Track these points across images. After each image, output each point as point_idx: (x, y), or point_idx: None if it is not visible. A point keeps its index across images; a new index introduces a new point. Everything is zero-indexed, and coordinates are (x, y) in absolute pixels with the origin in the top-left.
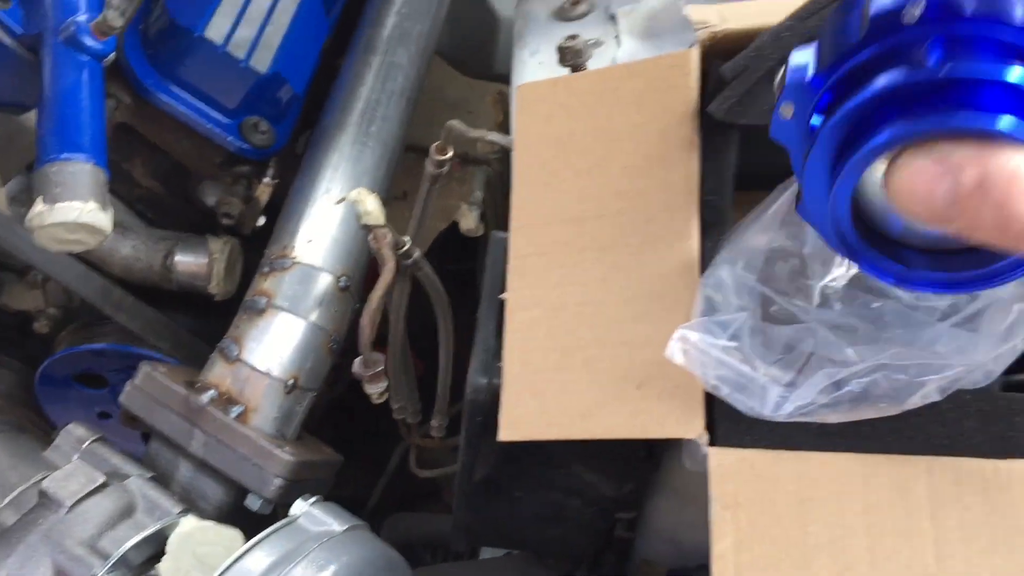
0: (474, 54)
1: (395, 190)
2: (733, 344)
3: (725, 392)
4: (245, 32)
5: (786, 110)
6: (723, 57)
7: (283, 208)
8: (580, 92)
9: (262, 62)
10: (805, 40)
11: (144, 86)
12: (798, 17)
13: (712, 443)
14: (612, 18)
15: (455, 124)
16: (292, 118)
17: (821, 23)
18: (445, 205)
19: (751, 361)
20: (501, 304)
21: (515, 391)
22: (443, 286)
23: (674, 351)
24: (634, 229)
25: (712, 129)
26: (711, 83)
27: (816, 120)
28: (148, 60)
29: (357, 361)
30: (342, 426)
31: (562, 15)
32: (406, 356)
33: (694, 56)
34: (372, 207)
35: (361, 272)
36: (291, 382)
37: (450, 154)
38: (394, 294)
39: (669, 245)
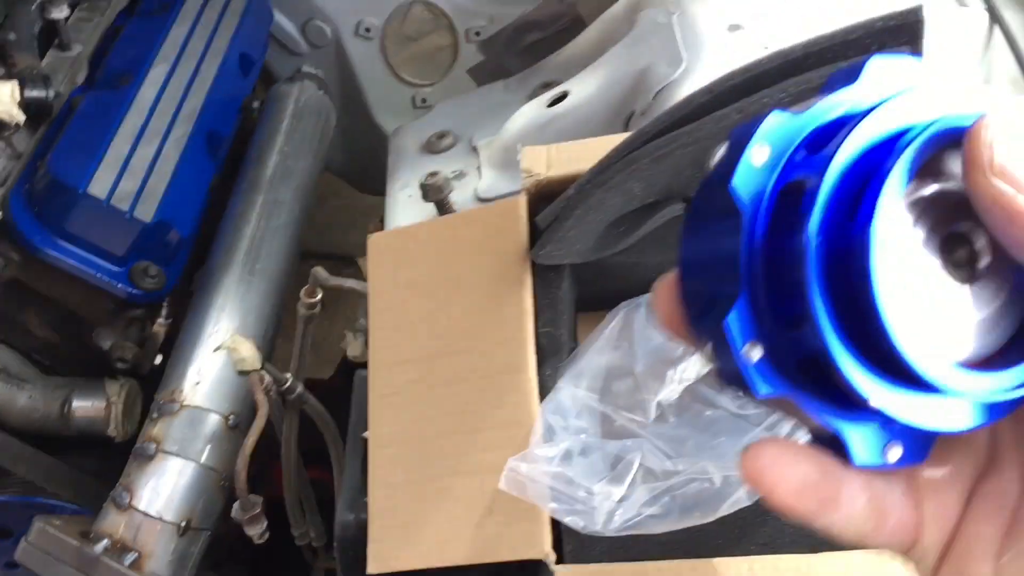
0: (366, 171)
1: None
2: (561, 469)
3: (561, 514)
4: (128, 185)
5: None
6: (548, 200)
7: (172, 352)
8: (424, 240)
9: (147, 212)
10: (606, 190)
11: (32, 243)
12: (597, 170)
13: (561, 560)
14: (474, 150)
15: (318, 271)
16: (182, 259)
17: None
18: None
19: (581, 481)
20: (366, 441)
21: (380, 525)
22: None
23: (506, 482)
24: (476, 365)
25: (545, 267)
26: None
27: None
28: (34, 218)
29: (235, 505)
30: (260, 558)
31: (429, 148)
32: (302, 485)
33: (521, 204)
34: (246, 353)
35: (250, 408)
36: (184, 524)
37: (319, 296)
38: (284, 428)
39: (507, 377)
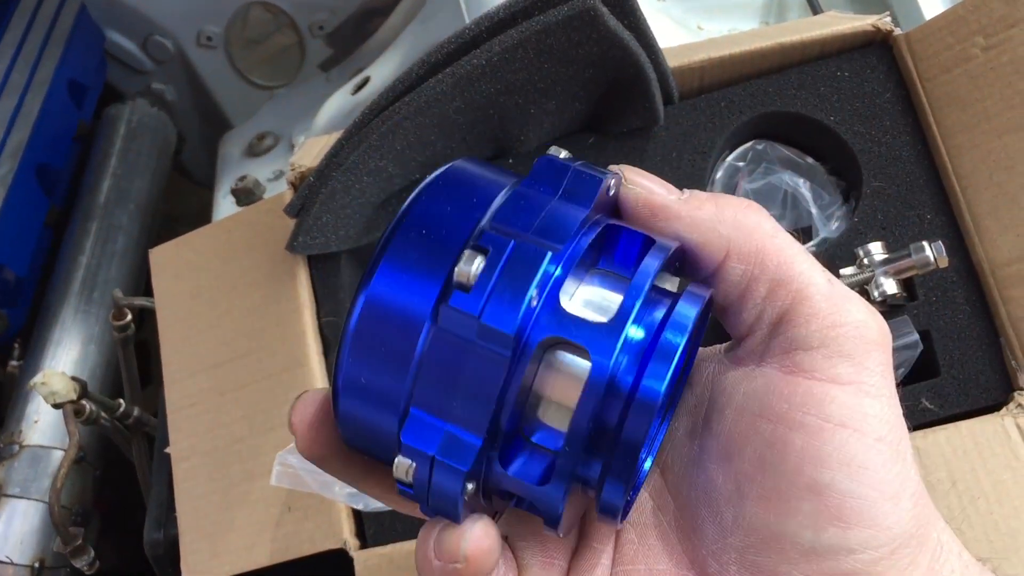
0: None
1: None
2: None
3: (341, 498)
4: None
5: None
6: None
7: (12, 393)
8: (202, 248)
9: None
10: (346, 171)
11: None
12: (331, 153)
13: (365, 546)
14: (293, 148)
15: (115, 293)
16: (26, 297)
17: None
18: None
19: None
20: (169, 457)
21: (190, 538)
22: None
23: (277, 476)
24: (261, 366)
25: (320, 257)
26: None
27: None
28: None
29: (56, 540)
30: None
31: (252, 151)
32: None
33: (286, 198)
34: (58, 386)
35: (98, 439)
36: (36, 566)
37: (128, 318)
38: (133, 454)
39: (291, 373)
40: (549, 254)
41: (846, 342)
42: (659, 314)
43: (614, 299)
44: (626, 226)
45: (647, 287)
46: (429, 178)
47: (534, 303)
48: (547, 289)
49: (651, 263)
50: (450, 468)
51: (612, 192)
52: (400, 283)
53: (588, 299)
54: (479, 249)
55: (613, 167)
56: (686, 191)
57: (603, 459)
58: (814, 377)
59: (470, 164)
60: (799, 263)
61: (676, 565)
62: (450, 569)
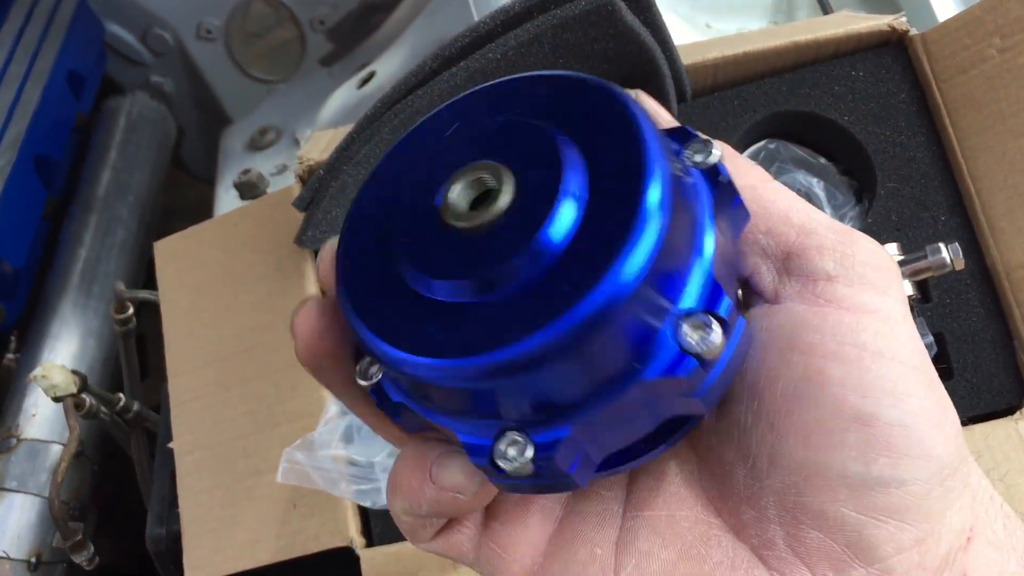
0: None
1: None
2: (340, 450)
3: (348, 494)
4: None
5: None
6: None
7: (10, 387)
8: (207, 241)
9: None
10: (356, 165)
11: None
12: (343, 146)
13: (371, 544)
14: (296, 142)
15: (117, 285)
16: (23, 290)
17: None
18: None
19: (362, 459)
20: (172, 452)
21: (193, 534)
22: None
23: (284, 473)
24: (267, 360)
25: None
26: None
27: None
28: None
29: (55, 535)
30: None
31: (254, 145)
32: None
33: (294, 192)
34: (58, 379)
35: (96, 433)
36: (33, 560)
37: (130, 311)
38: (132, 448)
39: (297, 368)
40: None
41: (865, 271)
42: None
43: None
44: None
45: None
46: None
47: None
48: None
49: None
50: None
51: None
52: None
53: None
54: None
55: (630, 91)
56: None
57: None
58: (842, 306)
59: None
60: (796, 201)
61: (704, 512)
62: (448, 499)
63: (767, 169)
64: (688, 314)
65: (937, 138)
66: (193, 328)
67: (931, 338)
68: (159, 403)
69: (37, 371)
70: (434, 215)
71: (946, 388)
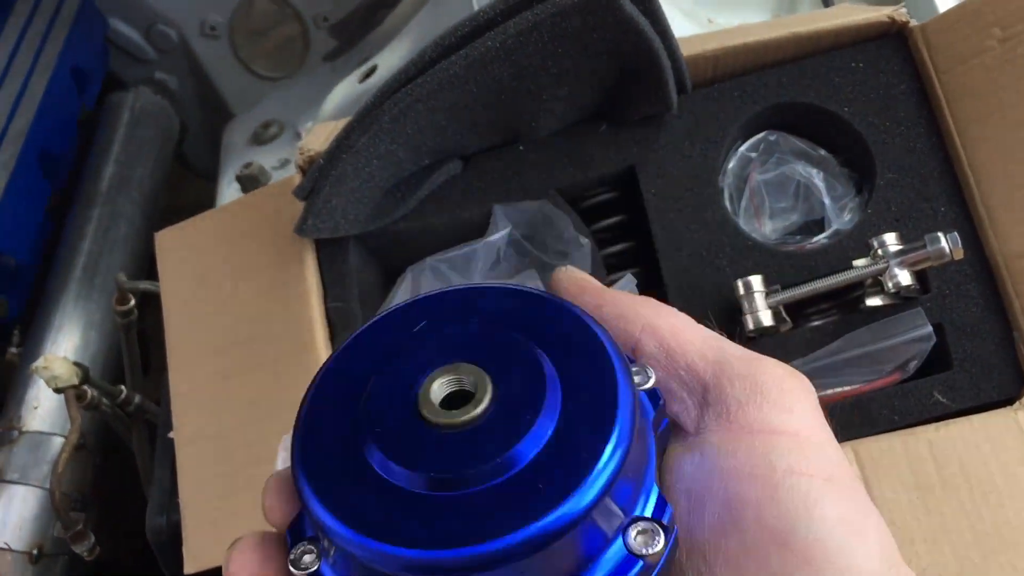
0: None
1: None
2: None
3: None
4: None
5: None
6: None
7: (12, 379)
8: (208, 231)
9: None
10: (355, 154)
11: None
12: (342, 136)
13: None
14: (298, 136)
15: (119, 277)
16: (26, 284)
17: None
18: None
19: None
20: (172, 442)
21: (193, 524)
22: None
23: (282, 461)
24: (268, 350)
25: (328, 241)
26: None
27: None
28: None
29: (57, 525)
30: None
31: (256, 140)
32: None
33: (294, 182)
34: (60, 371)
35: (98, 426)
36: (35, 552)
37: (132, 303)
38: (134, 441)
39: (298, 357)
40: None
41: (770, 393)
42: None
43: None
44: None
45: None
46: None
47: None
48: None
49: None
50: None
51: None
52: None
53: None
54: None
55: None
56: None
57: None
58: (753, 430)
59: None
60: (711, 339)
61: None
62: None
63: (767, 160)
64: (637, 520)
65: (937, 129)
66: (194, 318)
67: (930, 329)
68: (160, 398)
69: (39, 362)
70: (409, 409)
71: (945, 379)
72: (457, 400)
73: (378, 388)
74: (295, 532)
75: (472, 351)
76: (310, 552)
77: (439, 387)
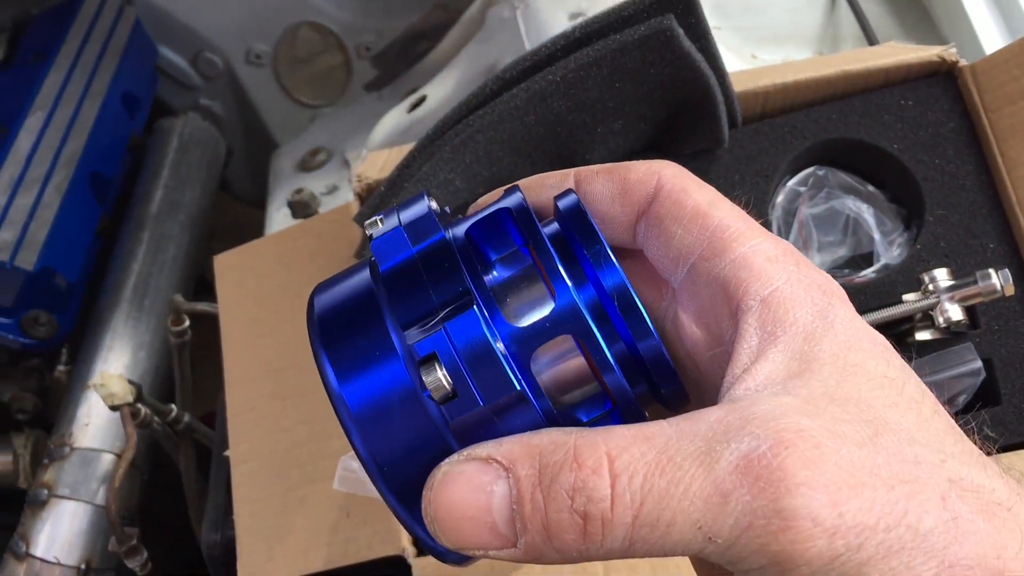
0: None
1: None
2: None
3: None
4: (7, 235)
5: None
6: None
7: (64, 397)
8: (266, 255)
9: (28, 260)
10: (416, 182)
11: None
12: (404, 163)
13: (422, 553)
14: (346, 163)
15: (176, 298)
16: (75, 304)
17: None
18: None
19: None
20: (227, 460)
21: (247, 541)
22: None
23: (340, 481)
24: None
25: None
26: None
27: None
28: None
29: (112, 539)
30: None
31: (304, 166)
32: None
33: (352, 208)
34: (116, 388)
35: (146, 444)
36: (84, 567)
37: (186, 324)
38: (181, 459)
39: None
40: (474, 310)
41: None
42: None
43: (538, 287)
44: (476, 217)
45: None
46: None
47: (506, 354)
48: (500, 335)
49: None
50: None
51: (435, 205)
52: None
53: (524, 302)
54: (427, 361)
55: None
56: None
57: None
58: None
59: (325, 291)
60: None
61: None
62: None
63: (815, 195)
64: None
65: (986, 167)
66: (251, 340)
67: (980, 364)
68: (204, 415)
69: (96, 379)
70: None
71: (994, 414)
72: None
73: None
74: None
75: None
76: None
77: None
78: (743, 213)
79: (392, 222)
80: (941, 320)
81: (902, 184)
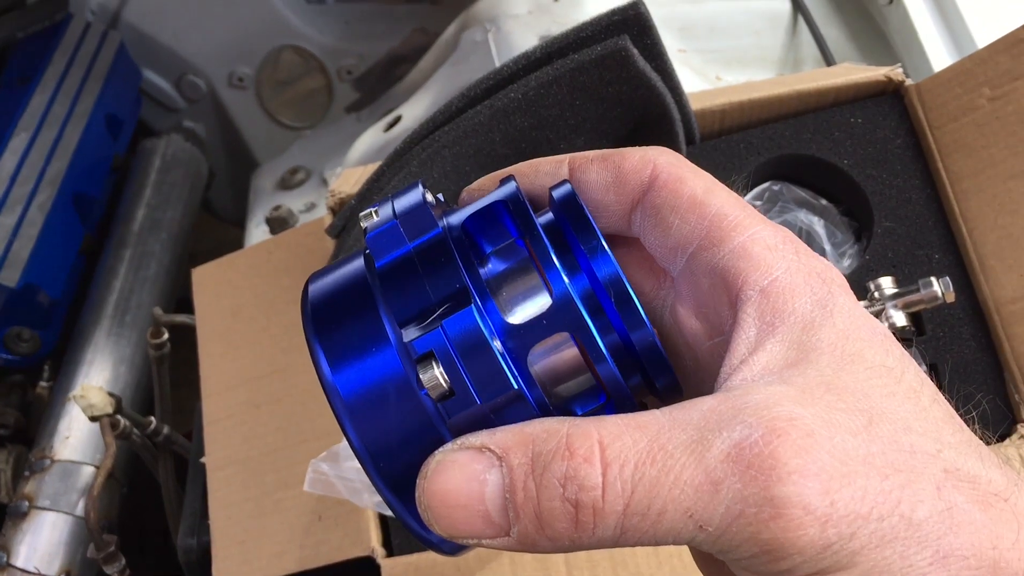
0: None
1: None
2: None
3: (372, 505)
4: None
5: None
6: None
7: (44, 411)
8: (242, 267)
9: (11, 277)
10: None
11: None
12: (373, 177)
13: (391, 554)
14: (324, 181)
15: (156, 311)
16: (58, 321)
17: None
18: None
19: None
20: (204, 467)
21: (223, 545)
22: None
23: (310, 483)
24: (296, 381)
25: None
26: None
27: None
28: None
29: (90, 546)
30: None
31: (283, 185)
32: None
33: (325, 222)
34: (96, 400)
35: (126, 456)
36: None
37: (165, 336)
38: (160, 471)
39: None
40: (472, 308)
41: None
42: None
43: (534, 281)
44: (472, 210)
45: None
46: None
47: (503, 352)
48: (497, 332)
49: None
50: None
51: (429, 196)
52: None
53: (519, 294)
54: (424, 360)
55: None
56: None
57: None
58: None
59: (319, 280)
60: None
61: None
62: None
63: (771, 209)
64: None
65: (931, 181)
66: (227, 350)
67: (925, 369)
68: (186, 433)
69: (76, 391)
70: None
71: None
72: None
73: None
74: None
75: None
76: None
77: None
78: (740, 200)
79: (387, 213)
80: (887, 327)
81: (852, 198)
